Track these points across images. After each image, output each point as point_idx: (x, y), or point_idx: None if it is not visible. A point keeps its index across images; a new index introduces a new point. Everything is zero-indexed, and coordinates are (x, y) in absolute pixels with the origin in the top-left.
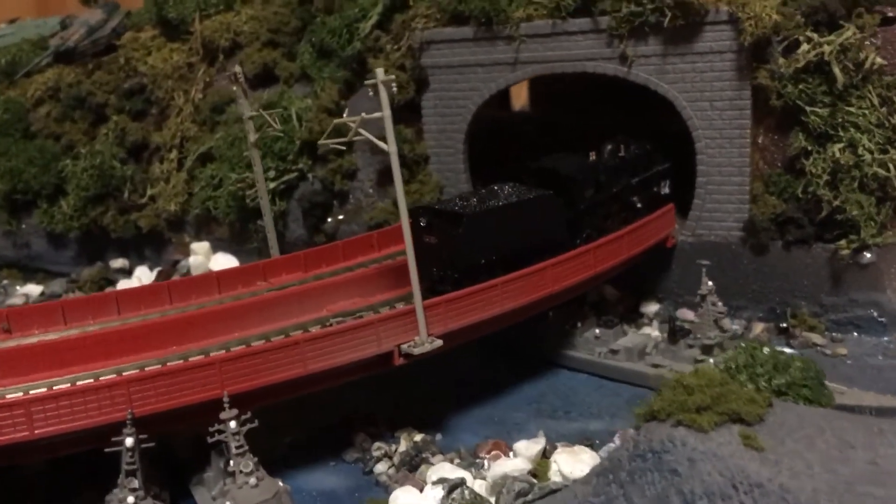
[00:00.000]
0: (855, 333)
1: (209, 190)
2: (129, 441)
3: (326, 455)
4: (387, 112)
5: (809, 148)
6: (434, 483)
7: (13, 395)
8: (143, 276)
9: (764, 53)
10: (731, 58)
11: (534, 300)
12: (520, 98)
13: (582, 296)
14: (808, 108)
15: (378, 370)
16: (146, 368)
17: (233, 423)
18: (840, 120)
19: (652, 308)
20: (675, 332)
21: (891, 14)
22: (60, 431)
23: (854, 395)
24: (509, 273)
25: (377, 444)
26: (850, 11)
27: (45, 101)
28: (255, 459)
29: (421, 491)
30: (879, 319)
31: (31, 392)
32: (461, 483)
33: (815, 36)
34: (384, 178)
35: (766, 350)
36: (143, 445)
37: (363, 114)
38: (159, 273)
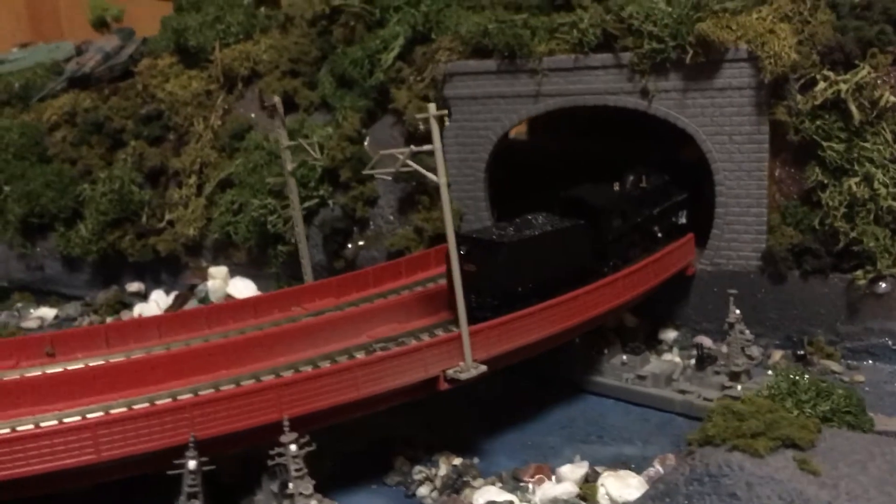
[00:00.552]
0: (870, 361)
1: (228, 215)
2: (191, 464)
3: (367, 479)
4: (437, 144)
5: (826, 181)
6: None
7: (73, 420)
8: (160, 300)
9: (782, 90)
10: (750, 94)
11: (569, 326)
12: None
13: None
14: (824, 143)
15: (422, 395)
16: (200, 393)
17: (293, 447)
18: (856, 155)
19: (670, 335)
20: (703, 359)
21: None
22: (125, 455)
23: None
24: (543, 300)
25: (417, 467)
26: (863, 52)
27: (61, 125)
28: (314, 482)
29: None
30: (894, 348)
31: (88, 416)
32: None
33: (831, 74)
34: (405, 205)
35: (806, 377)
36: (204, 468)
37: (412, 146)
38: (176, 297)
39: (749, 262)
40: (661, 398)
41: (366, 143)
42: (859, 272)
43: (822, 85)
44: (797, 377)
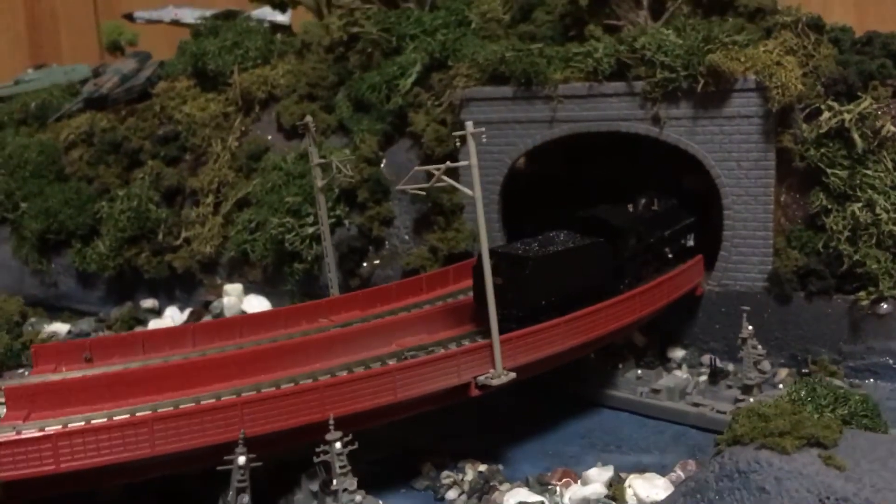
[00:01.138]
0: (871, 379)
1: (245, 234)
2: (241, 459)
3: (395, 484)
4: (473, 160)
5: (829, 206)
6: None
7: (122, 417)
8: (175, 316)
9: (788, 119)
10: (758, 122)
11: (591, 338)
12: None
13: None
14: (828, 170)
15: (453, 401)
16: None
17: (338, 444)
18: (858, 182)
19: (678, 353)
20: (716, 374)
21: None
22: (179, 449)
23: None
24: (563, 314)
25: (445, 472)
26: (865, 84)
27: (78, 144)
28: (357, 479)
29: None
30: (895, 366)
31: (136, 414)
32: None
33: (835, 105)
34: (419, 225)
35: (824, 384)
36: (253, 465)
37: (448, 162)
38: (191, 313)
39: (755, 283)
40: (675, 411)
41: (382, 166)
42: (862, 293)
43: (826, 114)
44: (815, 384)
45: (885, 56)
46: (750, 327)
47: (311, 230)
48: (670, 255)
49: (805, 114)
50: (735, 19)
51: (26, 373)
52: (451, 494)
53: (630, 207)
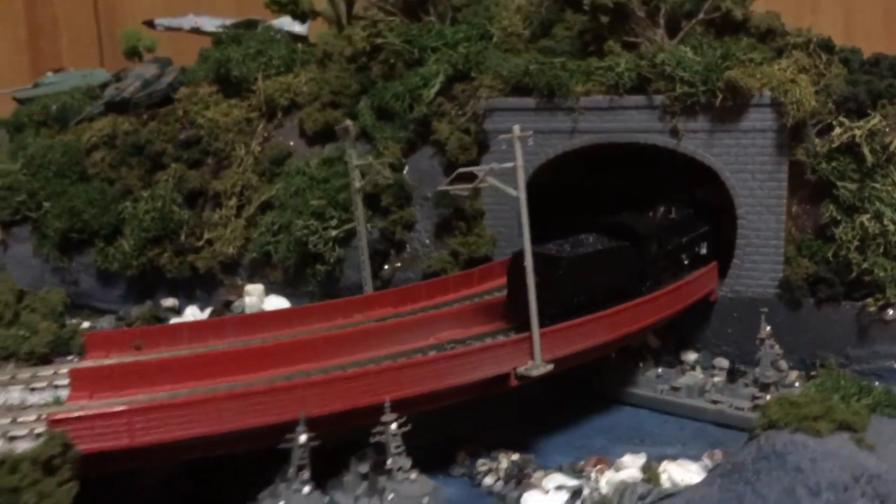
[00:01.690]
0: (876, 382)
1: (268, 235)
2: (302, 438)
3: (431, 471)
4: (519, 162)
5: (839, 218)
6: (556, 488)
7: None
8: (195, 315)
9: (801, 134)
10: (772, 136)
11: (618, 335)
12: None
13: None
14: (839, 183)
15: (492, 391)
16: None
17: (393, 426)
18: (867, 194)
19: (691, 356)
20: (734, 372)
21: None
22: (243, 427)
23: None
24: (591, 313)
25: (480, 460)
26: (874, 102)
27: (100, 146)
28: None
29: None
30: None
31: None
32: (581, 488)
33: (846, 121)
34: (441, 230)
35: (848, 376)
36: (312, 444)
37: (494, 164)
38: (212, 312)
39: (767, 289)
40: (694, 408)
41: (405, 172)
42: (870, 300)
43: (838, 130)
44: (840, 376)
45: (893, 76)
46: (768, 327)
47: (333, 233)
48: (686, 262)
49: (817, 129)
50: (748, 39)
51: (75, 359)
52: (488, 481)
53: (651, 215)
